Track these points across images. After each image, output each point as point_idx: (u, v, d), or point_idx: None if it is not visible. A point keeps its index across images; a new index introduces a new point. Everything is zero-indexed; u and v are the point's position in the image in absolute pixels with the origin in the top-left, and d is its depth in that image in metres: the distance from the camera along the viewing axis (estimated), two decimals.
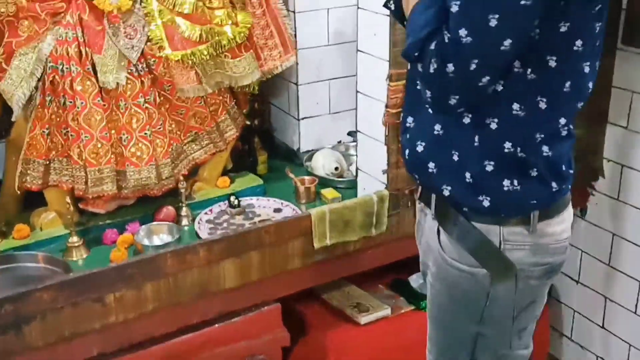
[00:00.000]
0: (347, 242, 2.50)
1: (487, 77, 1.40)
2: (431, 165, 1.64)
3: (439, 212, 1.71)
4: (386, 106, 2.42)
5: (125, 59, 2.47)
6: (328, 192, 2.85)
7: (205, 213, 2.73)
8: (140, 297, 2.18)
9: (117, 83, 2.45)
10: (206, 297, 2.30)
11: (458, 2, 1.36)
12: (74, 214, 2.48)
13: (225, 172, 2.94)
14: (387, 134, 2.47)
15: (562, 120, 1.52)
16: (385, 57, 2.45)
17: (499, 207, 1.60)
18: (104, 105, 2.45)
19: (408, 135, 1.72)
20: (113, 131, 2.49)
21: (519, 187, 1.55)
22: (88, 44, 2.41)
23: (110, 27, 2.43)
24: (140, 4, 2.49)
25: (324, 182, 2.93)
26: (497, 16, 1.31)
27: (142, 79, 2.52)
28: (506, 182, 1.55)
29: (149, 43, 2.52)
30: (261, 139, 3.17)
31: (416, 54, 1.45)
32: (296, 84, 3.10)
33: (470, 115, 1.55)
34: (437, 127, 1.62)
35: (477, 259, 1.66)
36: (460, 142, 1.59)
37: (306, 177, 2.91)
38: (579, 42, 1.43)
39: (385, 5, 1.80)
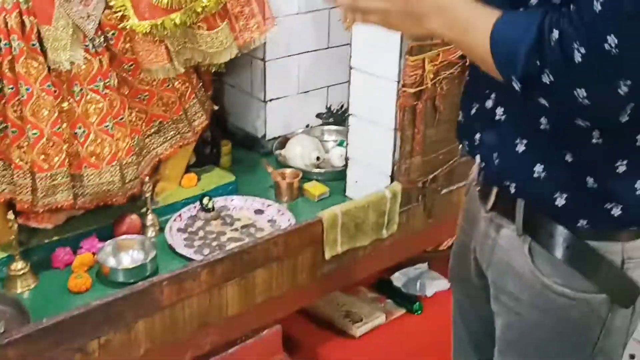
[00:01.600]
0: (357, 247, 2.15)
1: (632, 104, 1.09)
2: (538, 169, 1.31)
3: (536, 228, 1.38)
4: (403, 85, 2.07)
5: (80, 32, 1.93)
6: (313, 187, 2.46)
7: (175, 220, 2.26)
8: (130, 340, 1.71)
9: (71, 63, 1.91)
10: (204, 328, 1.87)
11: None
12: (16, 233, 1.93)
13: (187, 168, 2.46)
14: (401, 117, 2.12)
15: None
16: None
17: (633, 216, 1.30)
18: (55, 91, 1.91)
19: (495, 132, 1.37)
20: (65, 125, 1.95)
21: None
22: (32, 12, 1.84)
23: None
24: None
25: (303, 175, 2.52)
26: None
27: (100, 57, 1.99)
28: None
29: (107, 11, 1.99)
30: (218, 125, 2.70)
31: (524, 73, 1.10)
32: (263, 59, 2.65)
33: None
34: (544, 120, 1.28)
35: (594, 283, 1.36)
36: (576, 140, 1.25)
37: (287, 171, 2.49)
38: None
39: None
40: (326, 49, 2.79)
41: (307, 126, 2.86)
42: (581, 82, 1.05)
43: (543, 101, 1.14)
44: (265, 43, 2.56)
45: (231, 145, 2.66)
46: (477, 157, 1.40)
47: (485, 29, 1.13)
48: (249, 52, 2.61)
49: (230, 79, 2.81)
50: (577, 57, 1.02)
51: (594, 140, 1.24)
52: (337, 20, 2.70)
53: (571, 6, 1.04)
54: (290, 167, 2.57)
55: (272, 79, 2.69)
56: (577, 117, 1.15)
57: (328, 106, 2.91)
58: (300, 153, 2.61)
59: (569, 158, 1.27)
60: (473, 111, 1.38)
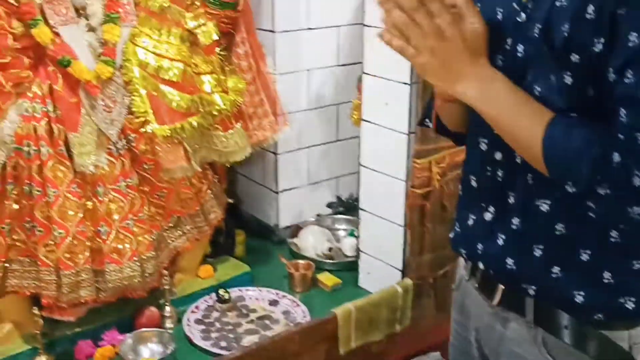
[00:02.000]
0: (370, 342, 2.20)
1: None
2: (555, 270, 1.38)
3: (549, 320, 1.44)
4: (412, 186, 2.16)
5: (104, 137, 2.06)
6: (326, 278, 2.53)
7: (192, 311, 2.33)
8: None
9: (95, 166, 2.03)
10: None
11: None
12: (40, 326, 2.00)
13: (204, 260, 2.54)
14: (410, 216, 2.21)
15: None
16: (403, 129, 2.21)
17: None
18: (80, 193, 2.02)
19: (512, 239, 1.39)
20: (89, 223, 2.05)
21: None
22: (61, 120, 1.98)
23: (86, 99, 2.02)
24: (120, 71, 2.10)
25: (316, 266, 2.59)
26: None
27: (122, 158, 2.12)
28: None
29: (129, 116, 2.12)
30: (232, 216, 2.80)
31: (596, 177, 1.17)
32: (275, 153, 2.78)
33: (600, 209, 1.29)
34: (560, 226, 1.35)
35: None
36: (596, 240, 1.32)
37: (300, 262, 2.57)
38: None
39: (422, 124, 1.54)
40: (335, 142, 2.91)
41: (318, 215, 2.95)
42: (637, 201, 1.11)
43: (590, 204, 1.20)
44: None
45: (245, 234, 2.75)
46: (480, 264, 1.45)
47: (533, 124, 1.15)
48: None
49: (244, 169, 2.93)
50: (637, 182, 1.07)
51: (612, 240, 1.31)
52: (346, 114, 2.83)
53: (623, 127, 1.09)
54: (303, 256, 2.65)
55: (283, 170, 2.81)
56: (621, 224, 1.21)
57: (338, 196, 3.01)
58: (312, 244, 2.70)
59: (585, 257, 1.33)
60: (470, 222, 1.42)
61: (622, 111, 1.07)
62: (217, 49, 2.27)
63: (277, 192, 2.83)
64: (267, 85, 2.47)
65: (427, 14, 1.11)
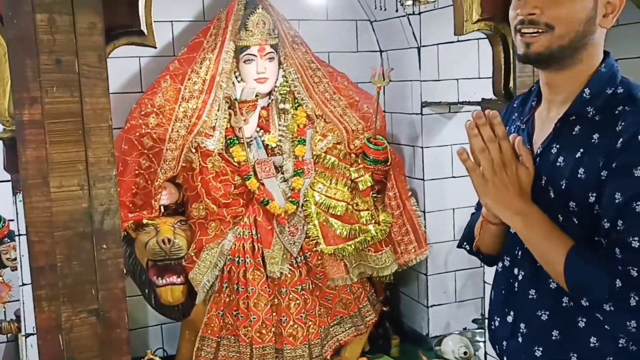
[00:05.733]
0: None
1: None
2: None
3: None
4: None
5: (288, 253, 2.96)
6: None
7: None
8: None
9: (281, 273, 2.91)
10: None
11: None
12: None
13: (363, 354, 3.26)
14: None
15: None
16: None
17: None
18: (269, 291, 2.90)
19: (519, 340, 1.57)
20: (274, 314, 2.91)
21: None
22: (260, 240, 2.92)
23: (277, 227, 2.95)
24: (302, 208, 3.02)
25: None
26: None
27: (300, 269, 2.98)
28: None
29: (306, 239, 3.01)
30: (391, 323, 3.51)
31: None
32: (425, 274, 3.48)
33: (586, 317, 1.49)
34: (555, 332, 1.52)
35: None
36: (578, 343, 1.51)
37: None
38: None
39: (460, 246, 1.79)
40: (478, 267, 3.53)
41: (465, 329, 3.53)
42: (634, 317, 1.30)
43: (598, 315, 1.37)
44: (427, 260, 3.41)
45: (399, 339, 3.43)
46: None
47: (558, 250, 1.37)
48: (415, 268, 3.47)
49: (403, 288, 3.66)
50: (633, 302, 1.28)
51: (592, 345, 1.49)
52: None
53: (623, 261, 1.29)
54: (444, 358, 3.25)
55: (433, 289, 3.49)
56: (618, 334, 1.38)
57: (482, 314, 3.57)
58: (452, 349, 3.29)
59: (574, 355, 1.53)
60: (497, 323, 1.61)
61: (617, 251, 1.30)
62: (372, 193, 3.12)
63: (427, 307, 3.50)
64: (412, 219, 3.24)
65: (498, 149, 1.39)
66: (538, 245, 1.42)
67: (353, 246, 3.02)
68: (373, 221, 3.09)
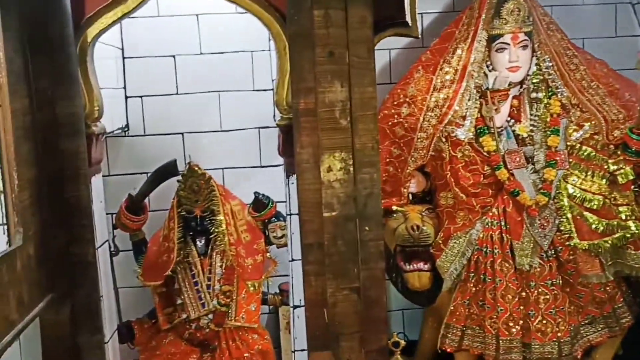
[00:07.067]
0: None
1: None
2: None
3: None
4: None
5: (538, 246, 2.87)
6: None
7: None
8: None
9: (530, 266, 2.84)
10: None
11: None
12: None
13: (616, 358, 3.07)
14: None
15: None
16: None
17: None
18: (517, 284, 2.85)
19: None
20: (522, 307, 2.85)
21: None
22: (509, 232, 2.87)
23: (528, 218, 2.87)
24: (554, 200, 2.91)
25: None
26: None
27: (550, 263, 2.88)
28: None
29: (558, 233, 2.89)
30: None
31: None
32: None
33: None
34: None
35: None
36: None
37: None
38: None
39: None
40: None
41: None
42: None
43: None
44: None
45: None
46: None
47: None
48: None
49: None
50: None
51: None
52: None
53: None
54: None
55: None
56: None
57: None
58: None
59: None
60: None
61: None
62: (633, 187, 2.91)
63: None
64: None
65: None
66: None
67: (610, 242, 2.84)
68: (633, 217, 2.88)
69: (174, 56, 3.47)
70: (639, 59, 2.90)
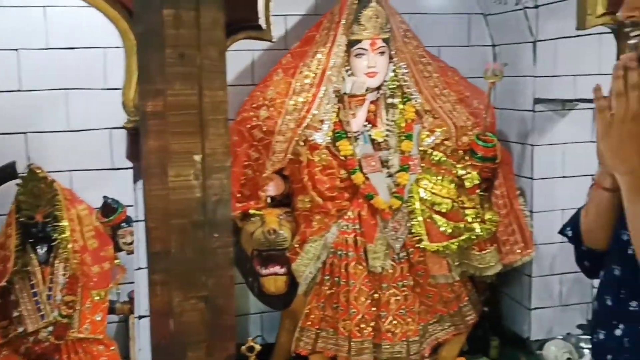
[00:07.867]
0: None
1: None
2: None
3: None
4: None
5: (390, 248, 2.94)
6: None
7: None
8: None
9: (383, 268, 2.91)
10: None
11: None
12: None
13: (461, 354, 3.21)
14: None
15: None
16: None
17: None
18: (370, 286, 2.90)
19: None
20: (374, 308, 2.91)
21: None
22: (363, 235, 2.92)
23: (381, 222, 2.94)
24: (406, 203, 2.99)
25: None
26: None
27: (402, 265, 2.97)
28: None
29: (409, 235, 2.98)
30: (491, 325, 3.43)
31: None
32: (530, 276, 3.38)
33: None
34: None
35: None
36: None
37: None
38: None
39: (562, 232, 1.78)
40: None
41: (568, 334, 3.41)
42: None
43: None
44: (532, 262, 3.32)
45: (499, 342, 3.36)
46: None
47: None
48: (519, 269, 3.38)
49: (505, 289, 3.57)
50: None
51: None
52: None
53: None
54: None
55: (537, 291, 3.39)
56: None
57: (588, 319, 3.44)
58: (554, 354, 3.19)
59: None
60: (601, 336, 1.56)
61: None
62: (478, 191, 3.05)
63: (529, 309, 3.40)
64: (519, 219, 3.15)
65: (638, 98, 1.29)
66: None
67: (457, 244, 2.96)
68: (478, 220, 3.02)
69: (17, 50, 3.20)
70: (486, 69, 3.04)
